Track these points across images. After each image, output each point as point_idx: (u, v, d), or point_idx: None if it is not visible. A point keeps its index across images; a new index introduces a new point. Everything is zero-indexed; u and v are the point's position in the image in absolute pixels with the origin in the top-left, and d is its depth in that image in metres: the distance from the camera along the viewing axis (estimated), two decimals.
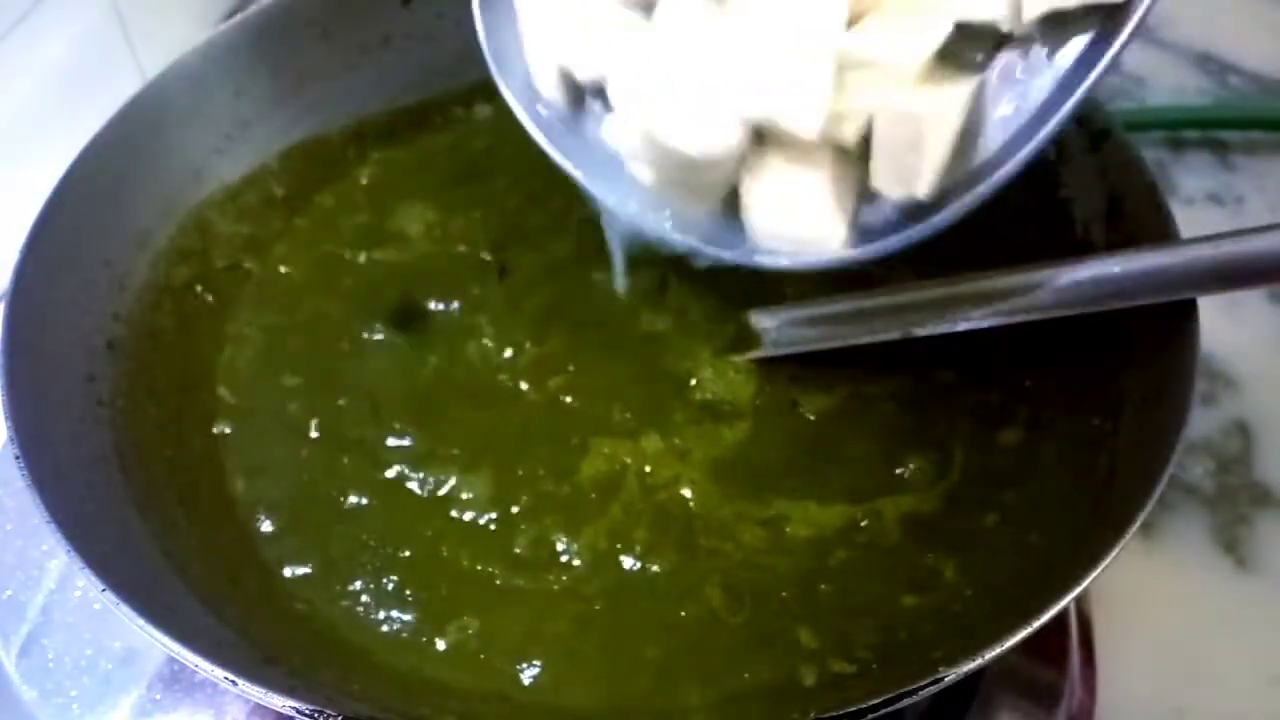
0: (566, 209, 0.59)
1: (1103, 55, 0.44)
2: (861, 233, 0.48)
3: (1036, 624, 0.39)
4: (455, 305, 0.59)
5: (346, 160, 0.65)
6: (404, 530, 0.50)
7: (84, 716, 0.50)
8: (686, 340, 0.56)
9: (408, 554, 0.50)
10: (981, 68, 0.46)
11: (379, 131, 0.66)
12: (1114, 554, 0.41)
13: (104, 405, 0.52)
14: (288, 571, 0.49)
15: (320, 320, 0.58)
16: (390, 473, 0.52)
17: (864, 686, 0.41)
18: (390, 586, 0.49)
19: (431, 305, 0.59)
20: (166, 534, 0.49)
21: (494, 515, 0.51)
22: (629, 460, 0.52)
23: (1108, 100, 0.78)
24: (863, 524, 0.50)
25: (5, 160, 0.67)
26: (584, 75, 0.49)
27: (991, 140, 0.47)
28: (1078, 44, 0.45)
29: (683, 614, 0.48)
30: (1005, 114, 0.47)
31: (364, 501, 0.51)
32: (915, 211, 0.47)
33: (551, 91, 0.51)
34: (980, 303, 0.51)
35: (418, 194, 0.64)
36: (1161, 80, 0.83)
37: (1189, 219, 0.52)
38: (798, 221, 0.47)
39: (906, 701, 0.39)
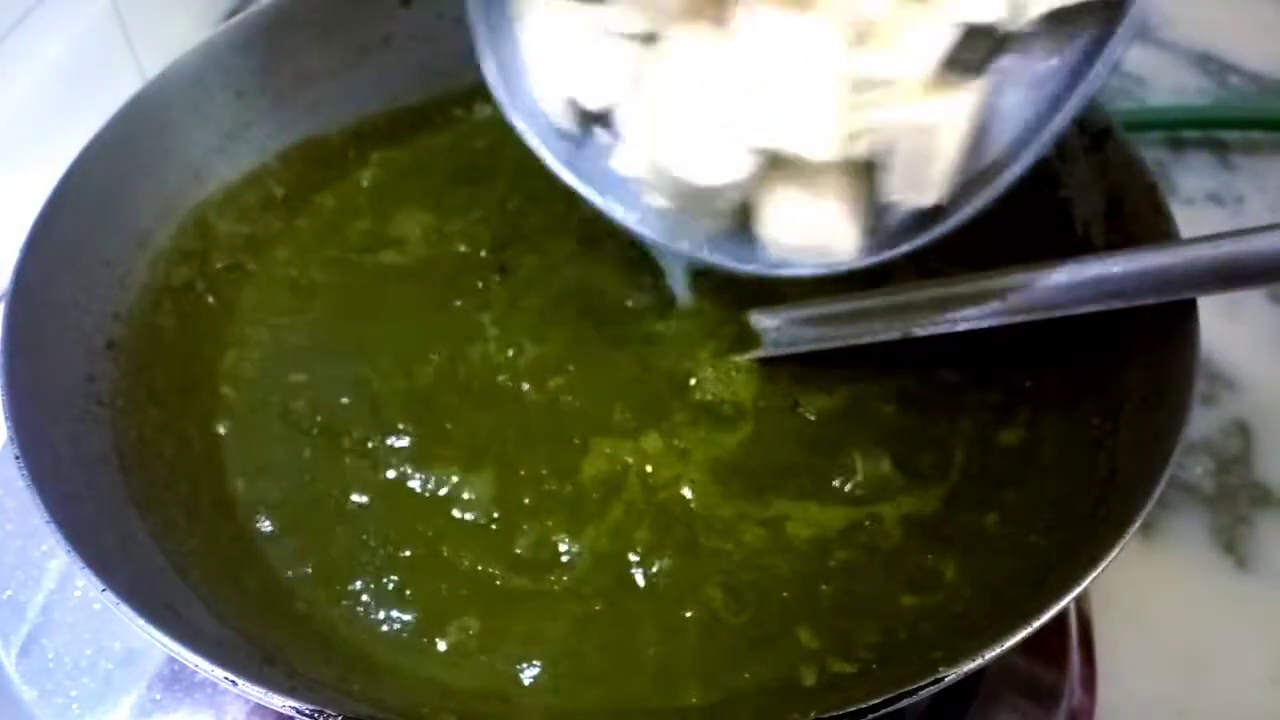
0: (566, 209, 0.59)
1: (1103, 52, 0.44)
2: (876, 237, 0.49)
3: (1036, 624, 0.39)
4: (455, 305, 0.59)
5: (346, 160, 0.65)
6: (404, 530, 0.50)
7: (84, 717, 0.50)
8: (687, 340, 0.56)
9: (408, 554, 0.50)
10: (984, 69, 0.47)
11: (379, 131, 0.66)
12: (1114, 554, 0.41)
13: (104, 405, 0.52)
14: (288, 572, 0.49)
15: (320, 320, 0.58)
16: (390, 473, 0.52)
17: (864, 686, 0.41)
18: (390, 586, 0.49)
19: (431, 305, 0.59)
20: (166, 534, 0.49)
21: (495, 515, 0.51)
22: (630, 460, 0.52)
23: (1108, 100, 0.78)
24: (863, 524, 0.50)
25: (5, 160, 0.67)
26: (592, 105, 0.50)
27: (998, 140, 0.47)
28: (1079, 42, 0.45)
29: (683, 614, 0.48)
30: (1011, 113, 0.47)
31: (364, 501, 0.51)
32: (927, 213, 0.47)
33: (560, 119, 0.51)
34: (980, 303, 0.51)
35: (418, 194, 0.64)
36: (1161, 80, 0.83)
37: (1189, 219, 0.52)
38: (814, 236, 0.48)
39: (906, 701, 0.39)
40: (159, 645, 0.40)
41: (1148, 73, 0.83)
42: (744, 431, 0.53)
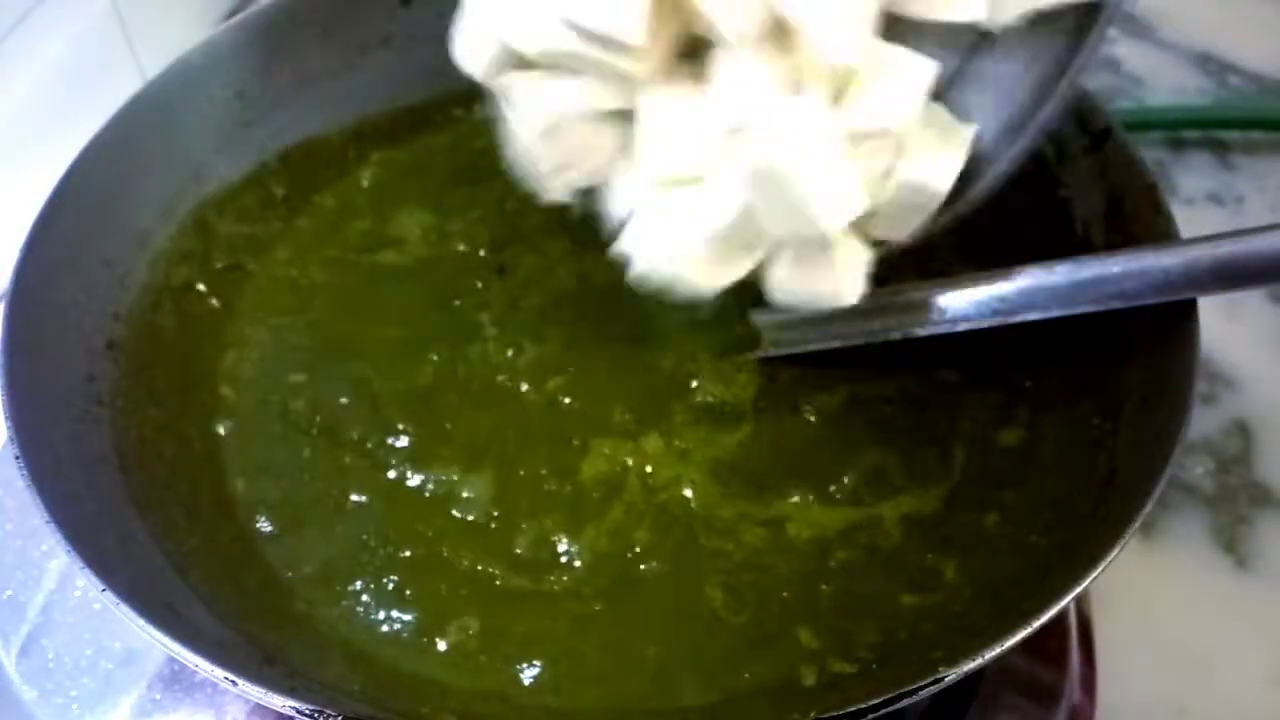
0: (565, 209, 0.59)
1: (1081, 50, 0.44)
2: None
3: (1036, 624, 0.39)
4: (455, 305, 0.59)
5: (346, 160, 0.65)
6: (404, 530, 0.50)
7: (84, 717, 0.50)
8: (688, 341, 0.56)
9: (408, 554, 0.50)
10: (962, 72, 0.47)
11: (379, 131, 0.66)
12: (1114, 554, 0.41)
13: (104, 405, 0.52)
14: (288, 572, 0.49)
15: (320, 320, 0.58)
16: (390, 473, 0.52)
17: (864, 686, 0.41)
18: (390, 586, 0.49)
19: (431, 305, 0.59)
20: (166, 534, 0.49)
21: (494, 515, 0.51)
22: (630, 461, 0.52)
23: (1107, 100, 0.78)
24: (863, 524, 0.50)
25: (5, 160, 0.67)
26: (586, 181, 0.50)
27: (981, 143, 0.47)
28: (1057, 41, 0.46)
29: (683, 614, 0.48)
30: (990, 115, 0.47)
31: (364, 501, 0.51)
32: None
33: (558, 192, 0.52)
34: (980, 303, 0.51)
35: (417, 194, 0.64)
36: (1161, 80, 0.83)
37: (1189, 219, 0.52)
38: (821, 287, 0.49)
39: (906, 701, 0.39)
40: (159, 645, 0.40)
41: (1147, 73, 0.83)
42: (744, 432, 0.53)
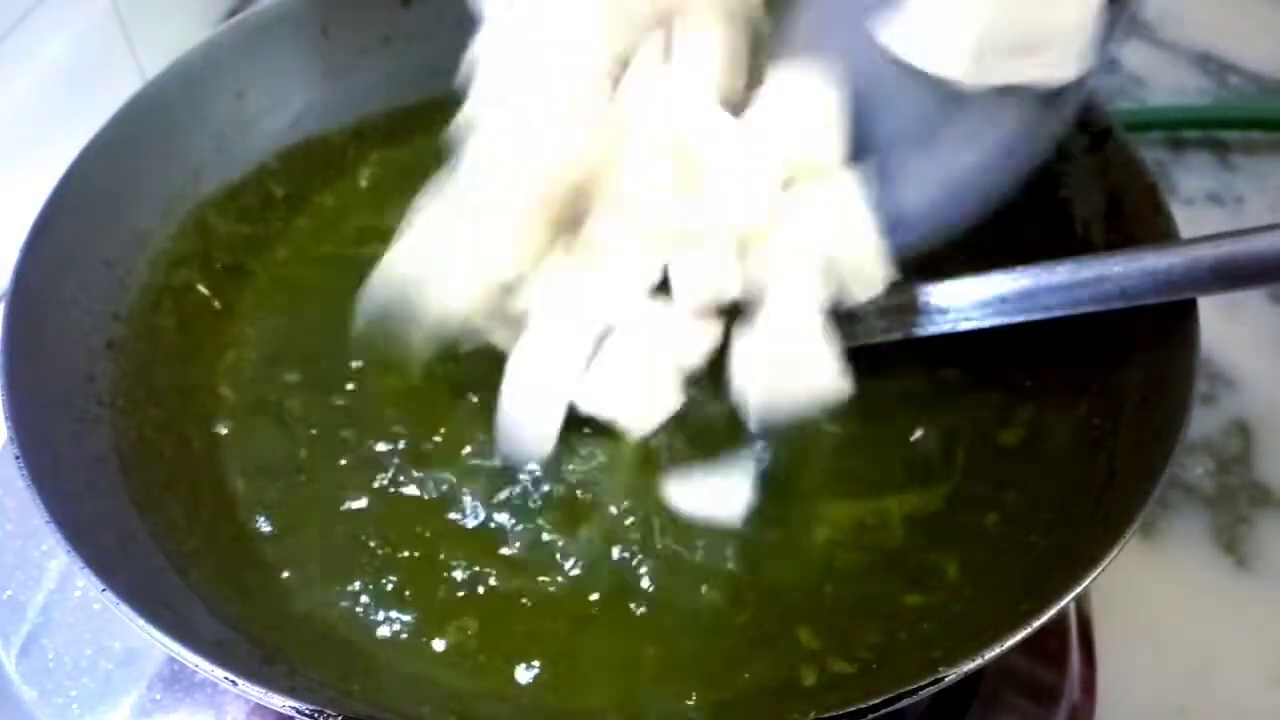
0: None
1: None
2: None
3: (1036, 624, 0.39)
4: None
5: (346, 160, 0.65)
6: (403, 531, 0.50)
7: (84, 717, 0.50)
8: None
9: (406, 555, 0.50)
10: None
11: (378, 131, 0.66)
12: (1114, 554, 0.41)
13: (104, 405, 0.52)
14: (287, 572, 0.49)
15: (320, 321, 0.58)
16: (389, 474, 0.52)
17: (864, 686, 0.41)
18: (390, 587, 0.49)
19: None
20: (166, 534, 0.49)
21: (492, 516, 0.51)
22: (631, 459, 0.52)
23: (1108, 100, 0.78)
24: (868, 523, 0.50)
25: (5, 160, 0.67)
26: None
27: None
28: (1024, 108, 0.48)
29: (684, 614, 0.47)
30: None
31: (363, 503, 0.51)
32: None
33: None
34: (981, 303, 0.51)
35: (417, 194, 0.64)
36: (1161, 80, 0.83)
37: (1189, 219, 0.52)
38: (800, 393, 0.51)
39: (906, 701, 0.39)
40: (159, 645, 0.40)
41: (1148, 73, 0.83)
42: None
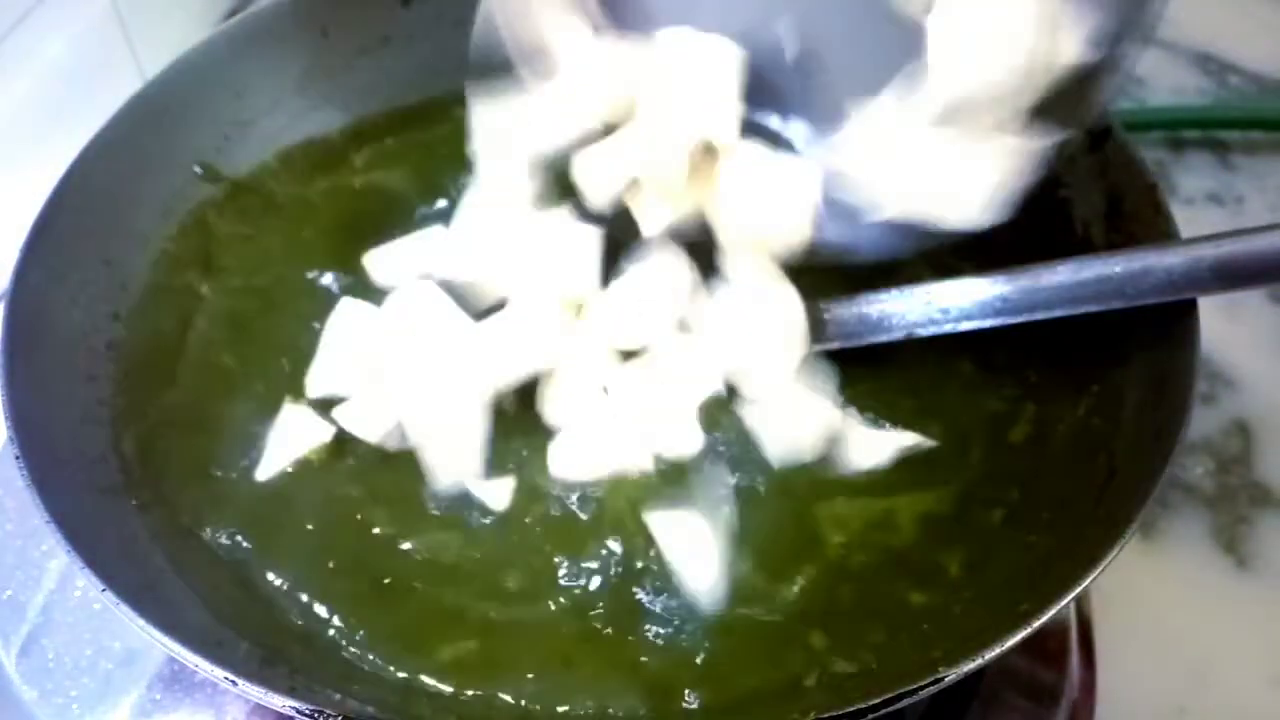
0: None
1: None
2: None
3: (1036, 624, 0.39)
4: None
5: (346, 160, 0.65)
6: (406, 530, 0.50)
7: (84, 717, 0.50)
8: None
9: (406, 556, 0.49)
10: None
11: (378, 131, 0.66)
12: (1113, 554, 0.41)
13: (104, 405, 0.52)
14: (284, 578, 0.49)
15: (323, 324, 0.58)
16: (389, 476, 0.52)
17: (864, 686, 0.41)
18: (387, 603, 0.48)
19: None
20: (167, 534, 0.49)
21: (498, 528, 0.50)
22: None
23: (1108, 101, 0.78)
24: (881, 521, 0.50)
25: (5, 160, 0.67)
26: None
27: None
28: None
29: (693, 617, 0.47)
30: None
31: (359, 519, 0.51)
32: None
33: None
34: (982, 303, 0.51)
35: (418, 194, 0.64)
36: (1161, 80, 0.83)
37: (1189, 219, 0.52)
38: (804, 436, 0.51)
39: (907, 701, 0.39)
40: (159, 645, 0.40)
41: (1148, 73, 0.83)
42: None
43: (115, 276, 0.55)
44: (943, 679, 0.39)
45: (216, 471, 0.52)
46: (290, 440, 0.52)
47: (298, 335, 0.56)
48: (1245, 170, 0.76)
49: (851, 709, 0.38)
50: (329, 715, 0.39)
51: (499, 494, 0.50)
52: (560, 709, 0.45)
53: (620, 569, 0.48)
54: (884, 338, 0.53)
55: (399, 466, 0.51)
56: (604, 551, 0.49)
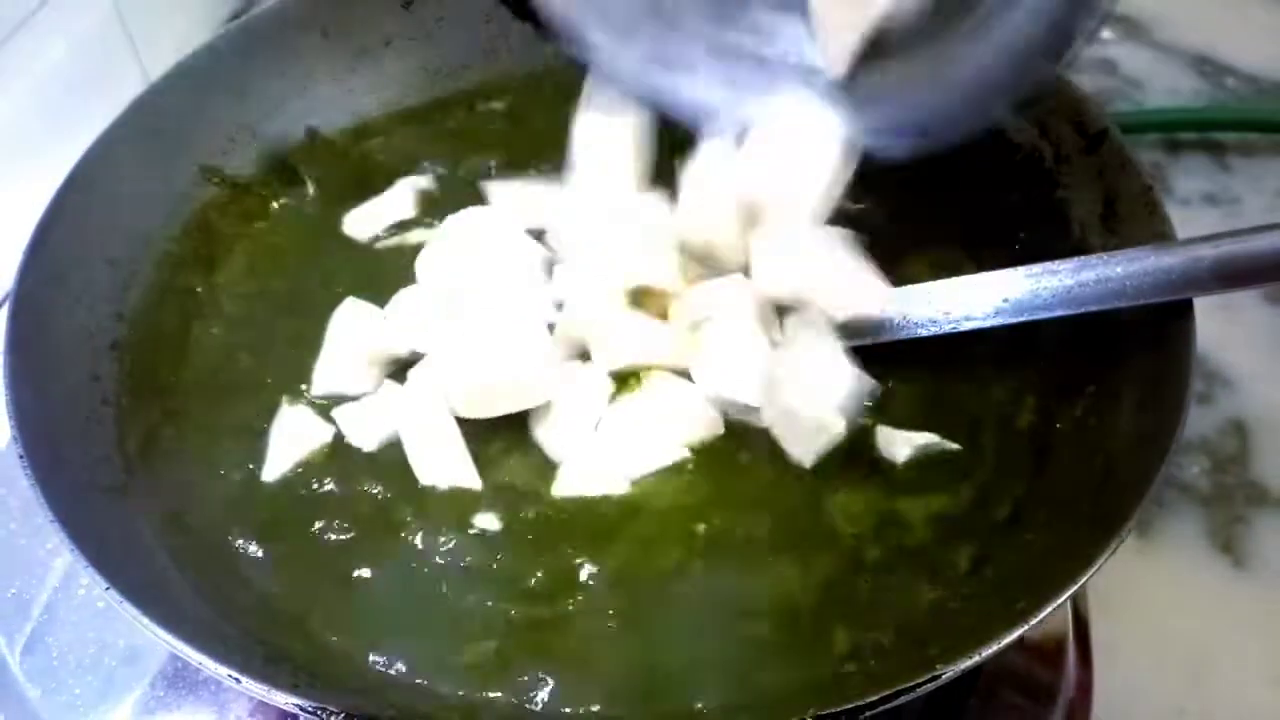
0: None
1: None
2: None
3: (1033, 622, 0.40)
4: None
5: (348, 161, 0.65)
6: (415, 531, 0.50)
7: (88, 713, 0.50)
8: None
9: (410, 576, 0.49)
10: None
11: (380, 132, 0.67)
12: (1110, 553, 0.41)
13: (108, 404, 0.52)
14: (284, 579, 0.49)
15: (322, 320, 0.58)
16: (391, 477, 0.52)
17: (862, 684, 0.41)
18: (389, 613, 0.48)
19: None
20: (170, 532, 0.49)
21: (512, 529, 0.50)
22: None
23: (1105, 102, 0.78)
24: (894, 519, 0.50)
25: (9, 161, 0.67)
26: None
27: None
28: None
29: (709, 618, 0.47)
30: None
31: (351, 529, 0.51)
32: None
33: None
34: (982, 303, 0.51)
35: (417, 194, 0.64)
36: (1158, 82, 0.83)
37: (1185, 220, 0.52)
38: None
39: (905, 699, 0.39)
40: (162, 642, 0.40)
41: (1144, 75, 0.83)
42: None
43: (119, 277, 0.56)
44: (940, 676, 0.39)
45: (221, 471, 0.52)
46: (292, 440, 0.52)
47: (301, 335, 0.56)
48: (1241, 171, 0.76)
49: (849, 706, 0.38)
50: (332, 713, 0.39)
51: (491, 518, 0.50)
52: (564, 710, 0.45)
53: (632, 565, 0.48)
54: (885, 338, 0.53)
55: (399, 466, 0.52)
56: (618, 549, 0.49)
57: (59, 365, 0.51)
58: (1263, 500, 0.60)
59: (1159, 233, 0.51)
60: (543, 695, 0.45)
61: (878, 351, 0.53)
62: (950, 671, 0.39)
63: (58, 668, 0.51)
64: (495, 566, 0.48)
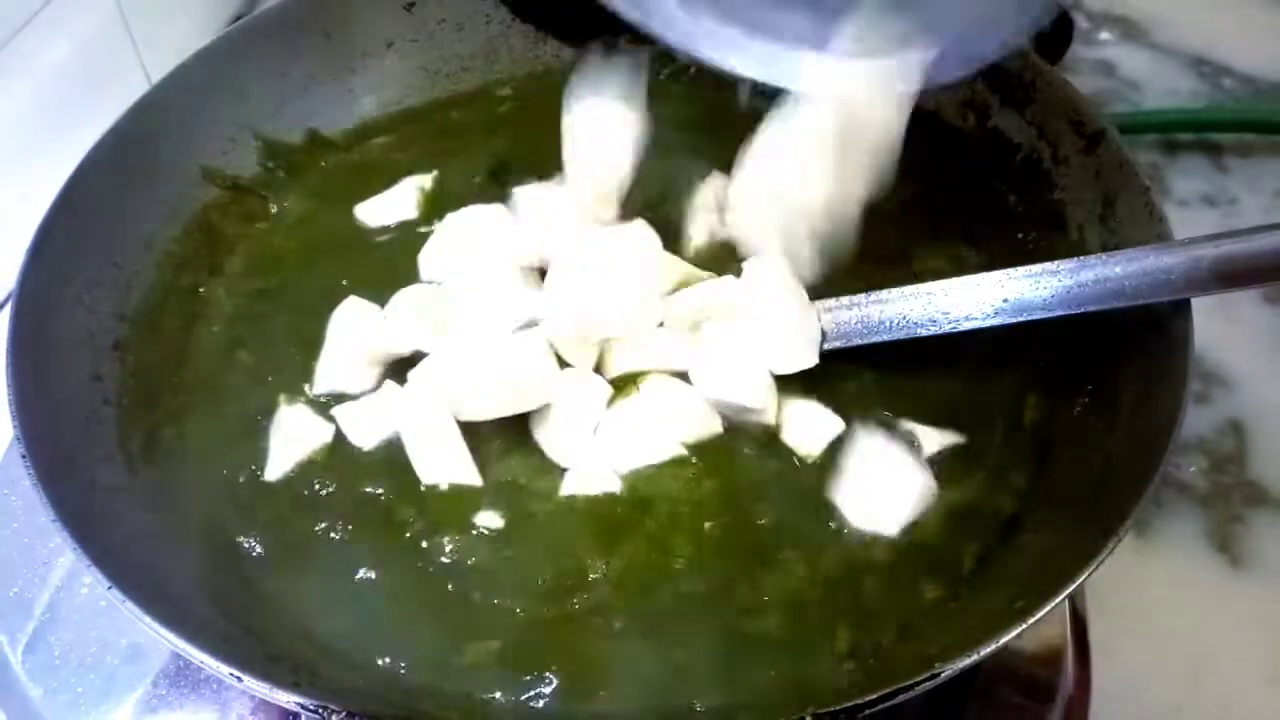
0: None
1: None
2: None
3: (1031, 620, 0.40)
4: None
5: (350, 162, 0.66)
6: (417, 530, 0.50)
7: (90, 712, 0.50)
8: None
9: (424, 546, 0.49)
10: None
11: (382, 134, 0.67)
12: (1108, 552, 0.41)
13: (110, 404, 0.52)
14: (287, 581, 0.49)
15: (324, 321, 0.58)
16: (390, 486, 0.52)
17: (862, 683, 0.41)
18: (389, 615, 0.48)
19: None
20: (172, 532, 0.49)
21: (512, 535, 0.50)
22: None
23: (1103, 104, 0.79)
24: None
25: (11, 163, 0.67)
26: None
27: None
28: None
29: (711, 619, 0.47)
30: None
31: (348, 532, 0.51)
32: None
33: None
34: (982, 303, 0.52)
35: (418, 194, 0.64)
36: (1155, 83, 0.83)
37: (1183, 220, 0.53)
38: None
39: (903, 697, 0.39)
40: (164, 641, 0.41)
41: (1142, 76, 0.84)
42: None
43: (120, 277, 0.56)
44: (939, 674, 0.39)
45: (223, 470, 0.52)
46: (293, 440, 0.53)
47: (302, 335, 0.56)
48: (1239, 172, 0.77)
49: (849, 704, 0.39)
50: (334, 711, 0.39)
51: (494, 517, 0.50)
52: (567, 709, 0.45)
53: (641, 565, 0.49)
54: (885, 338, 0.53)
55: (400, 465, 0.52)
56: (624, 548, 0.49)
57: (61, 365, 0.51)
58: (1260, 500, 0.61)
59: (1157, 233, 0.51)
60: (545, 695, 0.45)
61: (878, 351, 0.54)
62: (949, 670, 0.39)
63: (60, 666, 0.51)
64: (499, 566, 0.48)
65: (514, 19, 0.68)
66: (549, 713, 0.45)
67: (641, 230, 0.56)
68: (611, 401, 0.52)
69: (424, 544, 0.49)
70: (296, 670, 0.44)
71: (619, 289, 0.53)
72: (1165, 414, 0.45)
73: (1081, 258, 0.50)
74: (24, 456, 0.45)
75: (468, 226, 0.58)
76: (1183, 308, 0.48)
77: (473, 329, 0.53)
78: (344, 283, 0.59)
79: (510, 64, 0.69)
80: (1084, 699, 0.51)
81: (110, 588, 0.41)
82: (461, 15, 0.67)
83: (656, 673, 0.46)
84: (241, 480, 0.52)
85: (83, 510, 0.45)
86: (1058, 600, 0.40)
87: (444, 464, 0.51)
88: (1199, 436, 0.63)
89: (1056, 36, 0.79)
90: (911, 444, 0.52)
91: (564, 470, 0.51)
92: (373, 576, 0.49)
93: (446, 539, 0.49)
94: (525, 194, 0.58)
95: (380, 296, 0.57)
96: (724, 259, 0.58)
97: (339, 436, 0.53)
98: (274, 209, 0.63)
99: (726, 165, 0.57)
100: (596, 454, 0.51)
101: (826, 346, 0.54)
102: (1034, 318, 0.51)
